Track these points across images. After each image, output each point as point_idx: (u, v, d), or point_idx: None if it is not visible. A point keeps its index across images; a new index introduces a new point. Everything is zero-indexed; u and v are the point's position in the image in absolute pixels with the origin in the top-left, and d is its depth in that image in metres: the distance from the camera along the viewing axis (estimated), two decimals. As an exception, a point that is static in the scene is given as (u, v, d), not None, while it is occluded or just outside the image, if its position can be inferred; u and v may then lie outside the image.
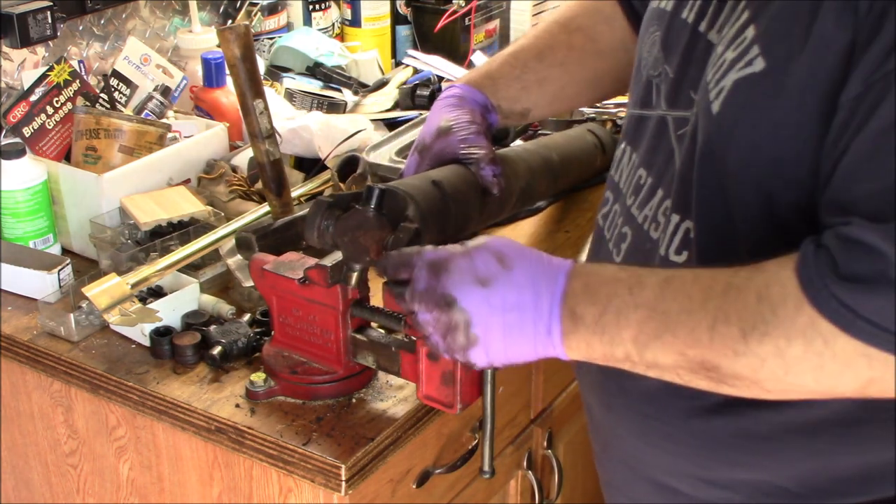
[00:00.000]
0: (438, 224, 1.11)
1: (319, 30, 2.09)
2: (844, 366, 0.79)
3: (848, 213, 0.79)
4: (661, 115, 1.02)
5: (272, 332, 1.19)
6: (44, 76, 1.53)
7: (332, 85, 1.91)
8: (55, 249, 1.46)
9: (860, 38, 0.79)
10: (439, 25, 2.07)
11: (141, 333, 1.26)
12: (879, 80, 0.78)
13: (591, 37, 1.30)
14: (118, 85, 1.64)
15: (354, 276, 1.05)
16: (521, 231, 1.52)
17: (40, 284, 1.34)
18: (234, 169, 1.54)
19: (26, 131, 1.50)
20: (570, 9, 1.33)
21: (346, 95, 1.87)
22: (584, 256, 1.46)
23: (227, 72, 1.48)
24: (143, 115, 1.59)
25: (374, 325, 1.14)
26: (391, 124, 1.75)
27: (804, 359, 0.79)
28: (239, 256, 1.27)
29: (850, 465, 0.94)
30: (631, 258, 1.04)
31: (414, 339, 1.06)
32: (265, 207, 1.38)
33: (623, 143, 1.10)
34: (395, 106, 1.85)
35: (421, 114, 1.73)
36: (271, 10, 2.04)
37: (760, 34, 0.87)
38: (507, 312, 0.88)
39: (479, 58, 2.02)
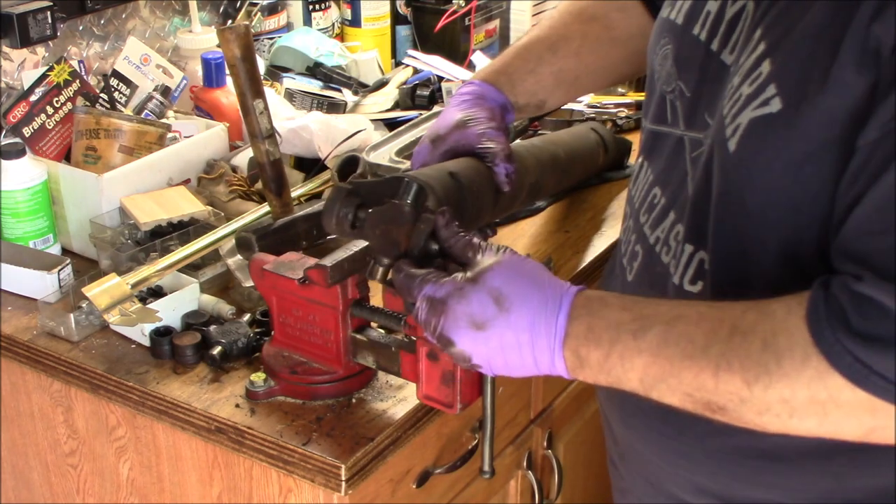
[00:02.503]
0: (456, 215, 1.10)
1: (319, 30, 2.09)
2: (848, 415, 0.80)
3: (859, 264, 0.79)
4: (680, 136, 1.00)
5: (272, 332, 1.19)
6: (44, 76, 1.53)
7: (332, 85, 1.91)
8: (55, 249, 1.46)
9: (882, 81, 0.78)
10: (439, 25, 2.07)
11: (141, 333, 1.26)
12: (894, 129, 0.77)
13: (605, 25, 1.29)
14: (118, 85, 1.64)
15: (381, 270, 0.99)
16: (521, 231, 1.52)
17: (40, 284, 1.34)
18: (234, 169, 1.54)
19: (26, 131, 1.50)
20: None
21: (346, 95, 1.87)
22: (584, 256, 1.47)
23: (227, 72, 1.48)
24: (143, 115, 1.59)
25: (374, 325, 1.14)
26: (391, 124, 1.75)
27: (808, 407, 0.80)
28: (239, 256, 1.27)
29: (865, 487, 0.94)
30: (641, 279, 1.04)
31: (414, 339, 1.06)
32: (265, 207, 1.38)
33: (640, 158, 1.09)
34: (395, 106, 1.85)
35: (421, 114, 1.73)
36: (271, 10, 2.04)
37: (777, 72, 0.85)
38: (507, 351, 0.88)
39: (479, 58, 2.02)
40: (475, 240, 0.93)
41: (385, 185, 1.03)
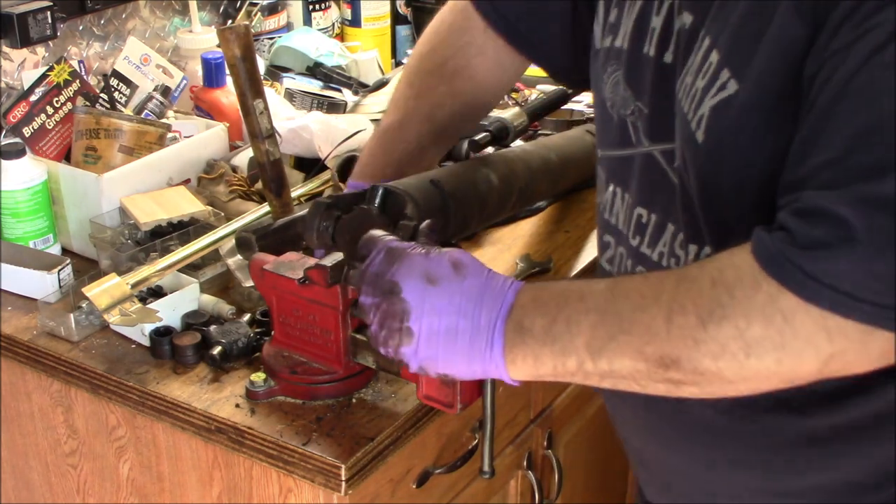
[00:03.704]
0: (438, 223, 1.11)
1: (319, 30, 2.09)
2: (805, 342, 0.78)
3: (798, 189, 0.79)
4: (646, 152, 1.00)
5: (272, 332, 1.19)
6: (44, 76, 1.53)
7: (332, 85, 1.91)
8: (55, 249, 1.46)
9: (817, 25, 0.79)
10: (439, 25, 2.06)
11: (141, 333, 1.26)
12: (828, 57, 0.78)
13: (469, 76, 1.26)
14: (118, 85, 1.64)
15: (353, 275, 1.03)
16: (521, 231, 1.52)
17: (40, 284, 1.34)
18: (234, 169, 1.54)
19: (26, 131, 1.50)
20: (433, 50, 1.28)
21: (346, 95, 1.87)
22: (584, 256, 1.47)
23: (227, 72, 1.49)
24: (143, 115, 1.59)
25: (374, 325, 1.14)
26: (391, 124, 1.75)
27: (765, 338, 0.79)
28: (239, 256, 1.27)
29: None
30: None
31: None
32: (265, 207, 1.38)
33: (611, 186, 1.07)
34: (395, 106, 1.84)
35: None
36: (271, 10, 2.04)
37: (725, 57, 0.86)
38: (447, 317, 0.88)
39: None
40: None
41: (363, 196, 1.04)
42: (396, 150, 1.23)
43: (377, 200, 1.01)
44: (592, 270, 1.45)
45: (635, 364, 0.84)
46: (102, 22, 1.80)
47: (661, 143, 0.98)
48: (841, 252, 0.75)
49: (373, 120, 1.73)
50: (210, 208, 1.43)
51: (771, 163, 0.85)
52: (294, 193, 1.41)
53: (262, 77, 1.33)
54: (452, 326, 0.88)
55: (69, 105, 1.54)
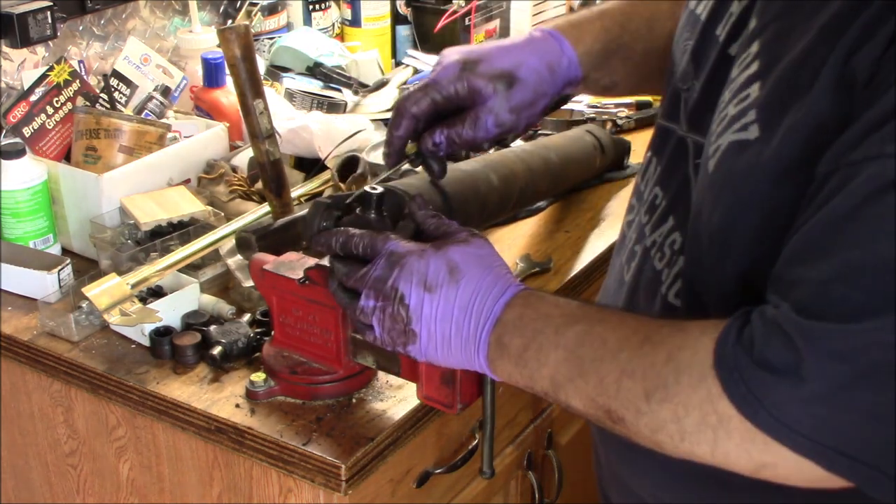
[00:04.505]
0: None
1: (319, 30, 2.09)
2: (737, 447, 0.77)
3: (782, 294, 0.77)
4: (682, 136, 0.97)
5: (272, 332, 1.19)
6: (44, 76, 1.53)
7: (332, 85, 1.91)
8: (55, 249, 1.46)
9: (852, 115, 0.75)
10: (439, 25, 2.07)
11: (141, 333, 1.26)
12: (845, 166, 0.74)
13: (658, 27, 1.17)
14: (118, 85, 1.64)
15: None
16: (521, 231, 1.52)
17: (40, 284, 1.34)
18: (234, 169, 1.54)
19: (26, 131, 1.50)
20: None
21: (346, 95, 1.87)
22: (584, 256, 1.47)
23: (227, 72, 1.49)
24: (143, 115, 1.59)
25: (374, 325, 1.14)
26: (391, 124, 1.75)
27: (699, 430, 0.78)
28: (239, 256, 1.27)
29: None
30: (637, 280, 1.01)
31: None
32: (265, 207, 1.38)
33: (650, 153, 1.05)
34: (396, 106, 1.85)
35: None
36: (271, 10, 2.04)
37: (761, 99, 0.82)
38: (441, 323, 0.91)
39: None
40: (448, 221, 0.97)
41: (363, 196, 1.04)
42: (611, 35, 1.15)
43: (372, 205, 1.01)
44: (593, 270, 1.45)
45: (586, 409, 0.86)
46: (102, 22, 1.80)
47: (695, 133, 0.95)
48: (787, 385, 0.74)
49: (373, 120, 1.73)
50: (210, 208, 1.43)
51: (761, 226, 0.82)
52: (294, 193, 1.41)
53: (262, 77, 1.33)
54: (447, 333, 0.91)
55: (69, 105, 1.54)
